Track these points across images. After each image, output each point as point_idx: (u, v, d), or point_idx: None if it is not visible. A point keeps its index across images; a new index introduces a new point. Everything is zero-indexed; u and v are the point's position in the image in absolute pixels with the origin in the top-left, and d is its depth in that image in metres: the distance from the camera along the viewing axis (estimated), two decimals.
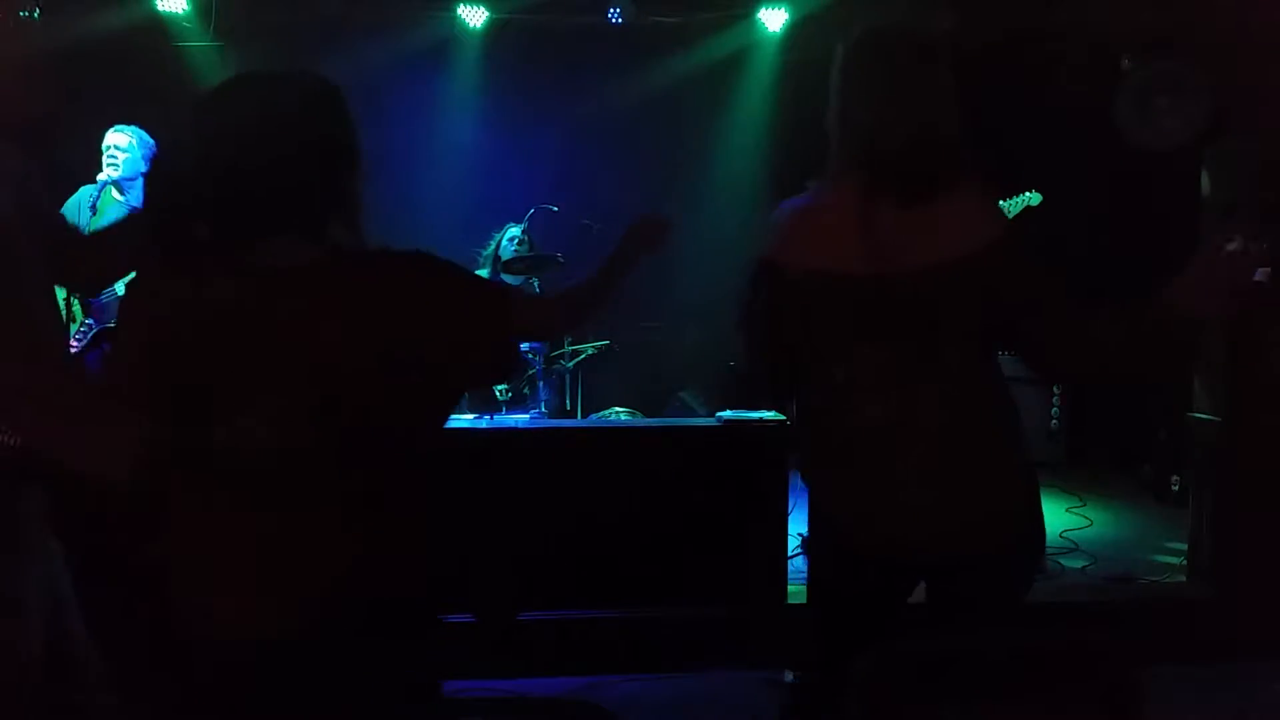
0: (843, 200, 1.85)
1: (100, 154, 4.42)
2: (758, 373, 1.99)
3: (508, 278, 5.26)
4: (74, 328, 4.13)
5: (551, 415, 4.95)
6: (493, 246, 5.36)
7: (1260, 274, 3.83)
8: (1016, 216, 4.33)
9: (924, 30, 1.94)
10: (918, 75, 1.86)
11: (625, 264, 1.92)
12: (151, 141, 4.45)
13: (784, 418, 3.62)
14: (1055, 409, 6.35)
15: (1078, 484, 5.88)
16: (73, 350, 4.14)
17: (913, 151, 1.81)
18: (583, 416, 5.15)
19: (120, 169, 4.34)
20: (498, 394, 4.78)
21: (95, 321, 4.23)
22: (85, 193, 4.35)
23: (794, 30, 6.10)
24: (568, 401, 5.25)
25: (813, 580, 2.11)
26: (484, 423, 3.95)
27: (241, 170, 1.46)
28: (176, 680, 1.49)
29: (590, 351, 5.00)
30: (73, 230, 2.17)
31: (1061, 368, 2.06)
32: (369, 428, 1.47)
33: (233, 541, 1.47)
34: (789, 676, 3.37)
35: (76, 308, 4.14)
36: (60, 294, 3.91)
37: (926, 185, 1.81)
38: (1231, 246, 1.78)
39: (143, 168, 4.38)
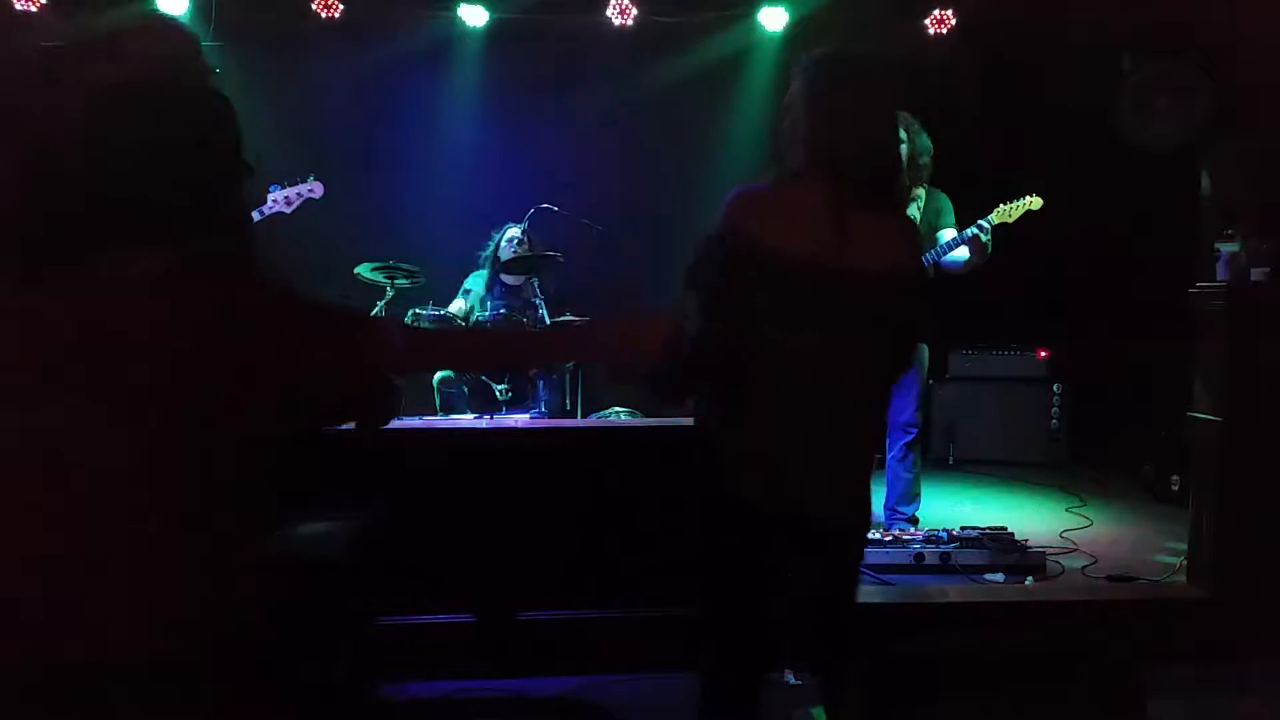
0: (798, 196, 2.07)
1: None
2: (696, 334, 2.10)
3: (507, 278, 5.26)
4: None
5: (551, 415, 4.96)
6: (492, 247, 5.37)
7: (1259, 274, 3.84)
8: (1018, 219, 4.33)
9: (879, 56, 2.17)
10: (878, 97, 2.12)
11: (566, 356, 1.93)
12: None
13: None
14: (1055, 409, 6.35)
15: (1078, 484, 5.88)
16: None
17: (866, 164, 2.08)
18: (583, 416, 5.15)
19: None
20: (498, 394, 4.79)
21: None
22: None
23: (794, 30, 6.10)
24: (568, 401, 5.25)
25: (704, 533, 2.24)
26: (484, 423, 3.95)
27: (105, 173, 1.43)
28: None
29: None
30: None
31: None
32: (184, 441, 1.40)
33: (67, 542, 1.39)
34: (789, 677, 3.37)
35: None
36: None
37: (874, 195, 2.08)
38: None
39: None
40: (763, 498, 2.09)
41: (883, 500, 4.54)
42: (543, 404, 4.93)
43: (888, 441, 4.53)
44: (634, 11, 5.96)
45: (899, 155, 2.28)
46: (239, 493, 1.46)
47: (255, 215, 4.20)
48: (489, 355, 1.89)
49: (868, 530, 2.36)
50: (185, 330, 1.40)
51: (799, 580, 2.30)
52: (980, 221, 4.23)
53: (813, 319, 2.04)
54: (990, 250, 4.22)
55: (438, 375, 5.08)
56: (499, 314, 4.91)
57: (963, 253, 4.29)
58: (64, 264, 1.41)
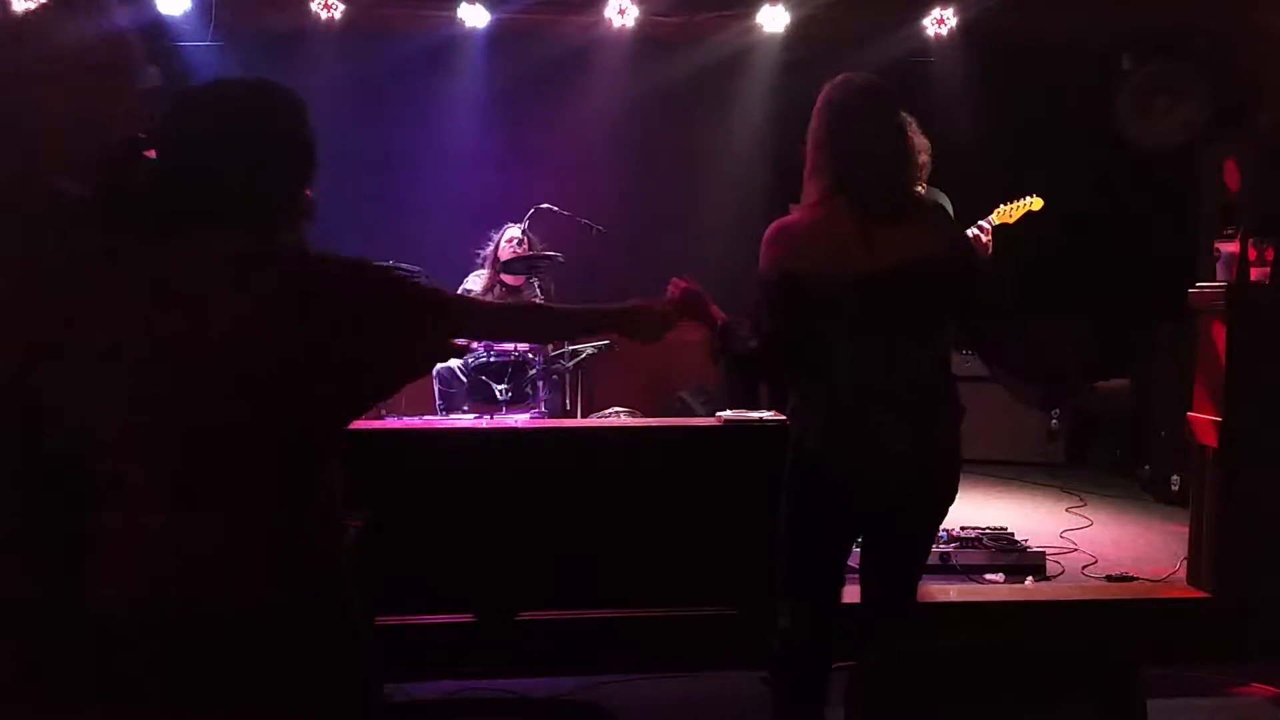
0: (825, 221, 2.36)
1: None
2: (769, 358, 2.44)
3: (507, 278, 5.26)
4: None
5: (551, 415, 4.96)
6: (492, 247, 5.37)
7: (1260, 274, 3.84)
8: (1018, 219, 4.33)
9: (883, 83, 2.46)
10: (885, 122, 2.42)
11: (612, 329, 2.15)
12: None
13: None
14: (1055, 409, 6.35)
15: (1078, 484, 5.88)
16: None
17: (892, 179, 2.39)
18: (583, 416, 5.15)
19: None
20: (498, 394, 4.79)
21: None
22: None
23: (794, 30, 6.09)
24: (568, 401, 5.25)
25: (789, 513, 2.50)
26: (484, 423, 3.95)
27: (197, 161, 1.55)
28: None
29: (590, 352, 5.00)
30: None
31: (1003, 360, 2.48)
32: (276, 416, 1.52)
33: (146, 520, 1.49)
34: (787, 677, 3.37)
35: None
36: None
37: (894, 205, 2.37)
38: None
39: None
40: (832, 478, 2.38)
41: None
42: (543, 404, 4.93)
43: None
44: (634, 11, 5.96)
45: (912, 164, 2.63)
46: (327, 462, 1.60)
47: None
48: (568, 335, 2.08)
49: (939, 508, 2.47)
50: (263, 309, 1.50)
51: (865, 563, 2.54)
52: (980, 222, 4.23)
53: (861, 323, 2.32)
54: (991, 251, 4.23)
55: (436, 371, 5.08)
56: None
57: None
58: (146, 244, 1.54)
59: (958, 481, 2.46)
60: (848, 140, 2.37)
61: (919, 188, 4.41)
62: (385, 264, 1.67)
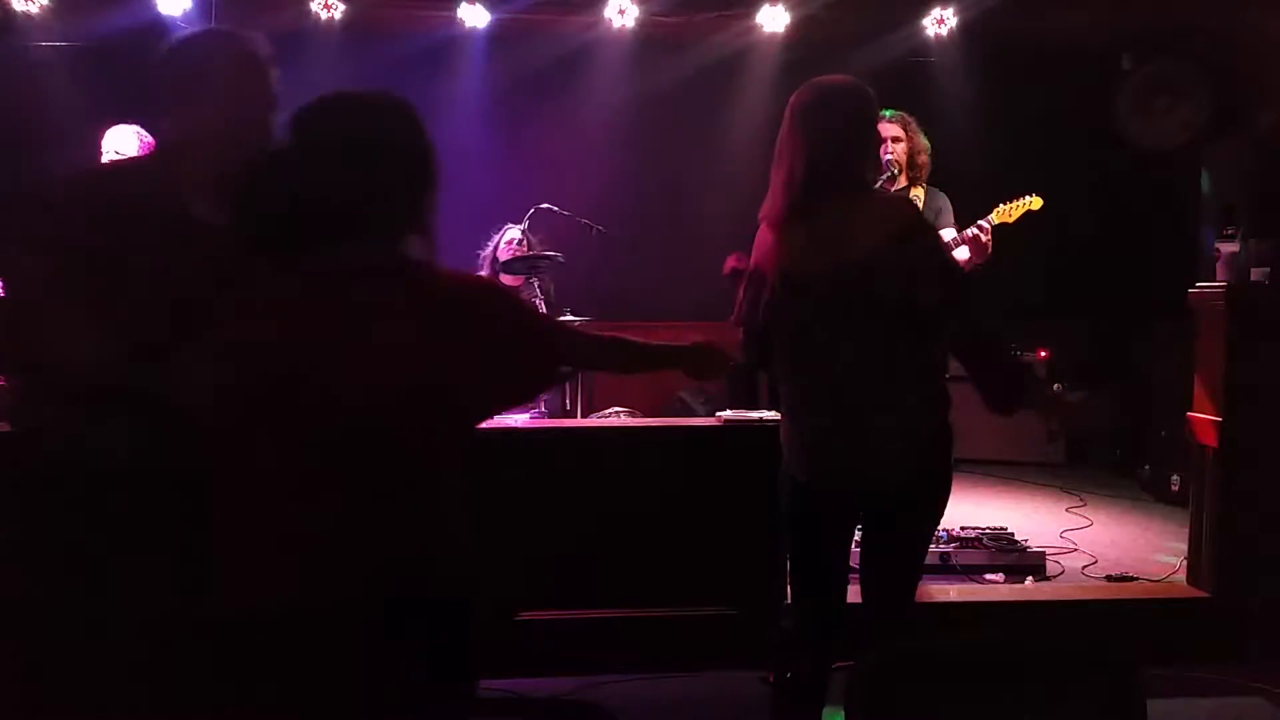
0: (776, 220, 2.40)
1: (100, 154, 4.41)
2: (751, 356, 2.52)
3: (507, 278, 5.26)
4: None
5: (551, 415, 4.95)
6: (492, 247, 5.37)
7: (1259, 274, 3.84)
8: (1017, 219, 4.32)
9: (838, 81, 2.46)
10: (853, 108, 2.42)
11: (669, 365, 2.16)
12: (150, 139, 4.43)
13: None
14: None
15: (1078, 484, 5.88)
16: None
17: (840, 169, 2.37)
18: (583, 416, 5.15)
19: None
20: None
21: None
22: None
23: (794, 30, 6.10)
24: (567, 402, 5.25)
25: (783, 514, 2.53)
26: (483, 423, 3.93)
27: (323, 178, 1.59)
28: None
29: None
30: None
31: (961, 357, 2.43)
32: (399, 422, 1.58)
33: (277, 517, 1.57)
34: (789, 677, 3.37)
35: None
36: None
37: (848, 196, 2.36)
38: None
39: None
40: (810, 478, 2.41)
41: None
42: (543, 404, 4.93)
43: None
44: (634, 11, 5.96)
45: (869, 155, 2.62)
46: (447, 472, 1.74)
47: None
48: (624, 369, 2.24)
49: (929, 508, 2.44)
50: (387, 322, 1.57)
51: (863, 564, 2.52)
52: (980, 222, 4.23)
53: (821, 318, 2.33)
54: (991, 250, 4.22)
55: None
56: None
57: (963, 253, 4.29)
58: (277, 260, 1.61)
59: (948, 477, 2.43)
60: (801, 133, 2.38)
61: (918, 189, 4.44)
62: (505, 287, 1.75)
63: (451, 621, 1.71)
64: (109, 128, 4.43)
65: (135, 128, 4.42)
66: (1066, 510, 5.30)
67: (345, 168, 1.59)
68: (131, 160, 2.12)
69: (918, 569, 2.56)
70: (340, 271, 1.58)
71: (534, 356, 1.74)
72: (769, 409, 3.86)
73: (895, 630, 2.47)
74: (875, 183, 2.67)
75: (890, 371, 2.32)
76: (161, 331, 1.66)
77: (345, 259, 1.59)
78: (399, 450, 1.60)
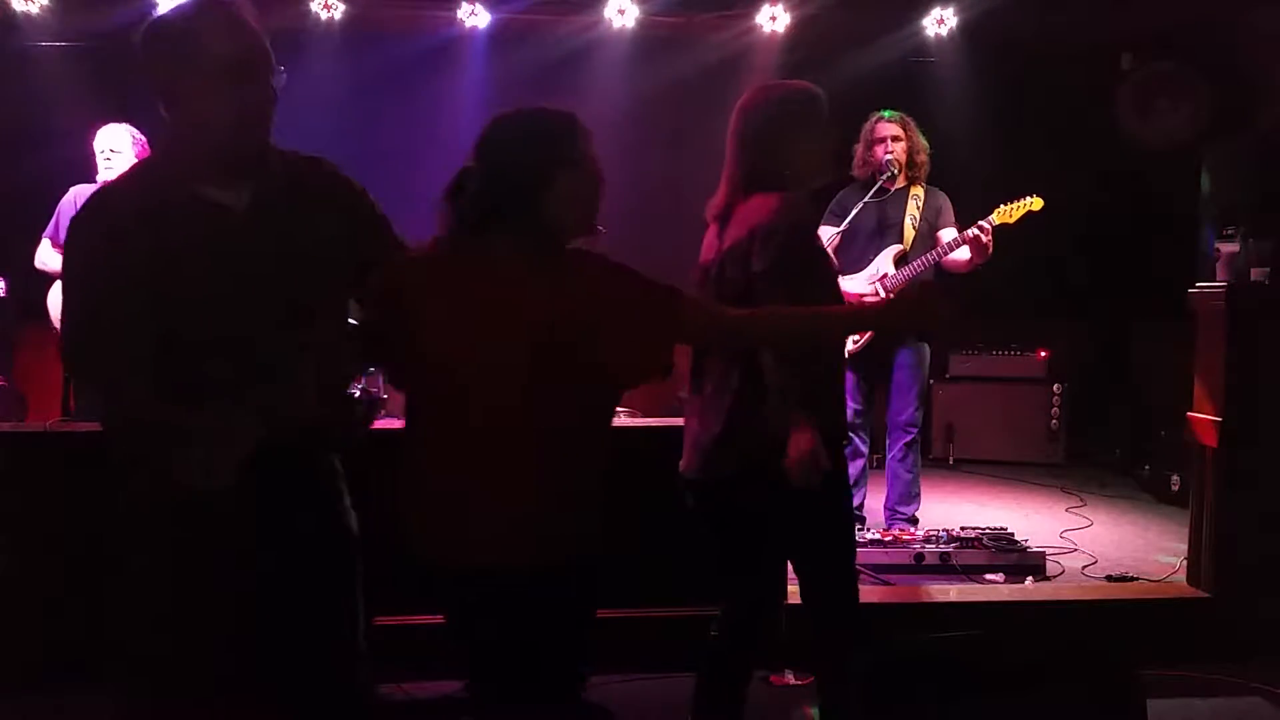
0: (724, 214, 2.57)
1: (94, 153, 4.41)
2: None
3: None
4: None
5: None
6: None
7: (1260, 274, 3.84)
8: (1018, 220, 4.33)
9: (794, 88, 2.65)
10: (788, 121, 2.60)
11: (872, 327, 2.44)
12: (144, 138, 4.43)
13: None
14: (1055, 409, 6.35)
15: (1078, 484, 5.88)
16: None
17: (763, 174, 2.50)
18: None
19: (116, 169, 4.32)
20: None
21: None
22: (82, 192, 4.34)
23: (794, 30, 6.09)
24: None
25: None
26: None
27: (504, 177, 1.85)
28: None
29: None
30: None
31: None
32: (553, 396, 1.77)
33: (442, 478, 1.81)
34: (789, 677, 3.37)
35: None
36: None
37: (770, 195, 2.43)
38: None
39: None
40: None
41: (883, 500, 4.54)
42: None
43: (888, 441, 4.53)
44: (634, 11, 5.96)
45: (781, 155, 2.56)
46: (589, 446, 1.91)
47: None
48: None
49: (771, 498, 2.39)
50: (543, 301, 1.76)
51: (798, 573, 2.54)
52: (980, 222, 4.23)
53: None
54: (991, 250, 4.22)
55: None
56: None
57: (964, 253, 4.29)
58: (474, 242, 1.83)
59: (769, 461, 2.33)
60: (731, 134, 2.65)
61: (918, 188, 4.44)
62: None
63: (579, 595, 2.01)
64: (100, 126, 4.44)
65: (127, 126, 4.42)
66: (1066, 510, 5.30)
67: (520, 173, 1.84)
68: (142, 163, 2.05)
69: (826, 568, 2.51)
70: (504, 254, 1.80)
71: (658, 329, 1.85)
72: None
73: (819, 632, 2.52)
74: (811, 183, 2.59)
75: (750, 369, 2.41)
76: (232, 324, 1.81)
77: (510, 245, 1.80)
78: (549, 420, 1.78)
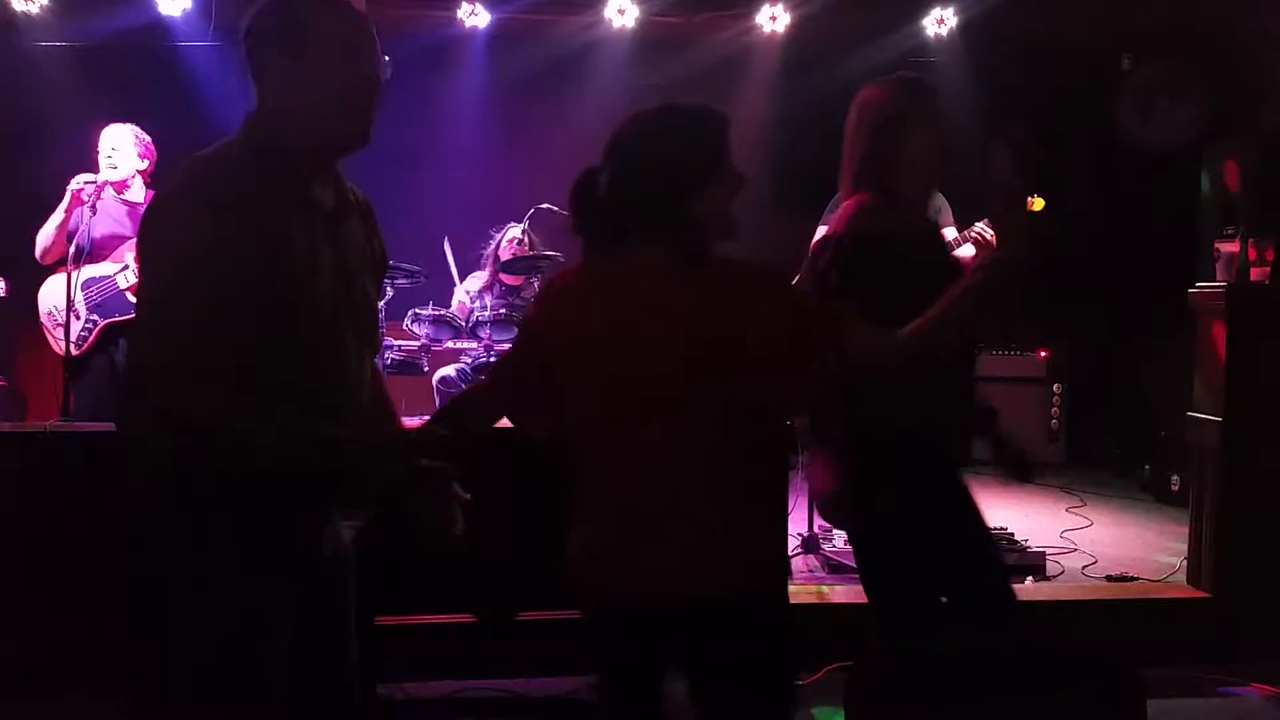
0: None
1: (95, 154, 4.40)
2: None
3: (507, 277, 5.27)
4: (78, 325, 4.11)
5: None
6: (493, 246, 5.37)
7: (1260, 274, 3.84)
8: None
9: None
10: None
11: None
12: (148, 138, 4.42)
13: None
14: (1055, 409, 6.35)
15: (1078, 484, 5.88)
16: (79, 344, 4.13)
17: None
18: None
19: (119, 169, 4.32)
20: None
21: (100, 317, 4.21)
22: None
23: (794, 30, 6.09)
24: None
25: None
26: None
27: (643, 182, 1.75)
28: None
29: None
30: None
31: None
32: (713, 415, 1.69)
33: (602, 505, 1.81)
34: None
35: (80, 303, 4.13)
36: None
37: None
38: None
39: (140, 165, 4.36)
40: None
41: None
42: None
43: None
44: (634, 11, 5.96)
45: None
46: (759, 457, 1.78)
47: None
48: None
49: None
50: (688, 308, 1.69)
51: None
52: (980, 224, 4.23)
53: None
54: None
55: (438, 375, 5.08)
56: (499, 313, 4.92)
57: (968, 251, 4.29)
58: (605, 249, 1.77)
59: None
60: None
61: None
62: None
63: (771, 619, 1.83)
64: (104, 126, 4.43)
65: (131, 126, 4.42)
66: (1066, 510, 5.30)
67: (659, 178, 1.74)
68: (227, 146, 1.71)
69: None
70: (646, 263, 1.72)
71: (808, 347, 1.76)
72: None
73: None
74: (918, 187, 2.51)
75: None
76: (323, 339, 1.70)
77: (652, 253, 1.72)
78: (709, 434, 1.69)
